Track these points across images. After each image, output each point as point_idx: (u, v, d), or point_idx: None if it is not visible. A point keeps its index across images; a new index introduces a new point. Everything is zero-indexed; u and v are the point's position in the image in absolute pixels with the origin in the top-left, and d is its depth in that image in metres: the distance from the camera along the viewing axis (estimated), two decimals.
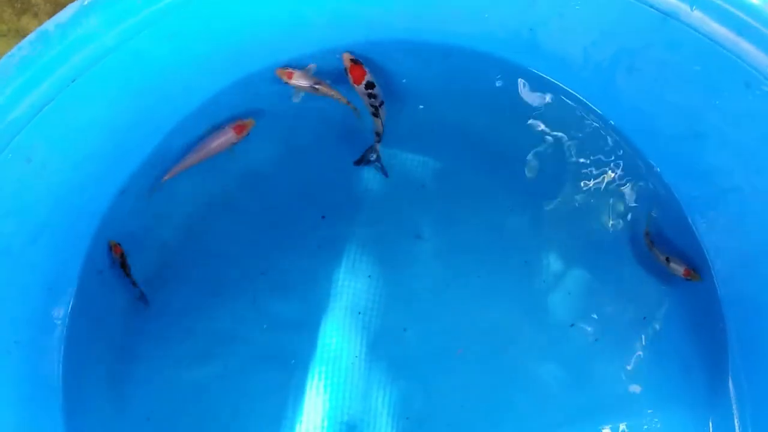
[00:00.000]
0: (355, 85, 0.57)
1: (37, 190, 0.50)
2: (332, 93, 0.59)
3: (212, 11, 0.50)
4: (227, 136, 0.59)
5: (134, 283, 0.59)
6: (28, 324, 0.53)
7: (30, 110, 0.46)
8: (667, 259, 0.58)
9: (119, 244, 0.58)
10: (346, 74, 0.57)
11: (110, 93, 0.51)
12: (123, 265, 0.58)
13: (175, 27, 0.50)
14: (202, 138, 0.60)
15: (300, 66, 0.59)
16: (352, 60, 0.57)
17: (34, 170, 0.48)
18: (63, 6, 0.94)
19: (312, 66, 0.59)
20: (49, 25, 0.46)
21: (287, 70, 0.58)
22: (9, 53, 0.45)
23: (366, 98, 0.58)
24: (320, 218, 0.63)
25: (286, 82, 0.59)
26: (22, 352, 0.53)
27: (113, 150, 0.55)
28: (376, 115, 0.58)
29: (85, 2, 0.46)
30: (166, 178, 0.60)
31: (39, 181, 0.50)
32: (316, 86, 0.59)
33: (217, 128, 0.60)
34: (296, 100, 0.60)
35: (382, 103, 0.58)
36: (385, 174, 0.62)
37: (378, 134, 0.60)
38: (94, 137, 0.53)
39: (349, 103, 0.60)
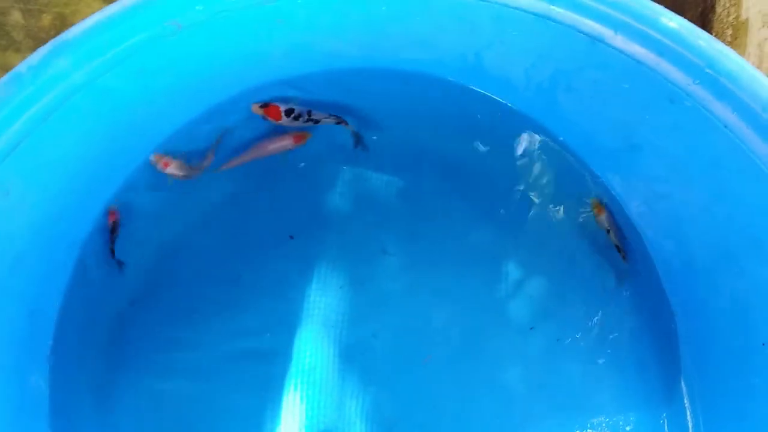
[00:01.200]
0: (280, 122, 0.61)
1: (16, 222, 0.52)
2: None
3: (176, 48, 0.53)
4: (285, 142, 0.63)
5: (113, 251, 0.61)
6: (13, 345, 0.55)
7: (6, 147, 0.48)
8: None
9: (118, 212, 0.61)
10: (266, 120, 0.61)
11: (82, 128, 0.53)
12: (113, 230, 0.61)
13: (141, 64, 0.52)
14: (262, 138, 0.64)
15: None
16: (261, 106, 0.61)
17: (12, 203, 0.51)
18: (43, 41, 0.97)
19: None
20: (22, 67, 0.49)
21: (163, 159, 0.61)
22: None
23: (296, 123, 0.61)
24: (289, 238, 0.66)
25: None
26: (8, 372, 0.55)
27: (88, 181, 0.58)
28: (316, 123, 0.62)
29: (55, 43, 0.49)
30: (223, 167, 0.63)
31: (17, 214, 0.52)
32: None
33: (278, 132, 0.63)
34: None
35: (309, 112, 0.62)
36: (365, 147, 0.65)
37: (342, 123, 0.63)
38: (68, 170, 0.55)
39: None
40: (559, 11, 0.49)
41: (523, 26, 0.51)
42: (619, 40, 0.48)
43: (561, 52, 0.52)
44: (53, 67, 0.48)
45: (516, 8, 0.50)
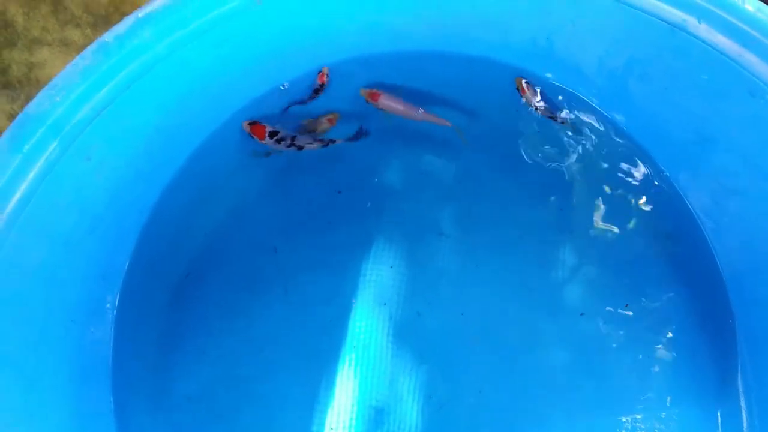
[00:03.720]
0: (263, 142, 0.63)
1: (94, 186, 0.55)
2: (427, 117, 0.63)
3: (254, 22, 0.55)
4: (323, 125, 0.65)
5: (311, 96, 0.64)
6: (84, 307, 0.58)
7: (90, 114, 0.51)
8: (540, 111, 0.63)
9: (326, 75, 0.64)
10: (252, 138, 0.63)
11: (160, 97, 0.55)
12: (318, 90, 0.64)
13: (220, 37, 0.54)
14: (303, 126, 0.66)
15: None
16: (248, 125, 0.63)
17: (93, 167, 0.53)
18: (101, 17, 1.00)
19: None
20: (108, 36, 0.51)
21: (372, 91, 0.63)
22: (73, 62, 0.50)
23: (277, 146, 0.63)
24: (345, 215, 0.67)
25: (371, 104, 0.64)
26: (78, 332, 0.58)
27: (161, 148, 0.60)
28: (301, 148, 0.64)
29: (140, 15, 0.51)
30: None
31: (97, 178, 0.55)
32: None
33: (315, 118, 0.66)
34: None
35: (294, 137, 0.63)
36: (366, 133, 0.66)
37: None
38: (144, 137, 0.57)
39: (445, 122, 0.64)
40: None
41: (600, 10, 0.51)
42: (702, 29, 0.47)
43: (638, 39, 0.52)
44: (138, 38, 0.51)
45: None
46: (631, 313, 0.64)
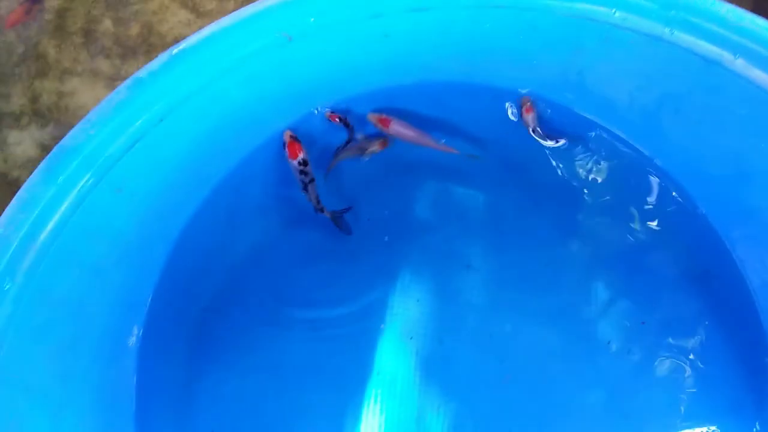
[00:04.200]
0: (290, 160, 0.62)
1: (125, 217, 0.55)
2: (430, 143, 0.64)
3: (284, 58, 0.55)
4: (374, 147, 0.65)
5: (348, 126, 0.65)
6: (110, 338, 0.58)
7: (123, 146, 0.51)
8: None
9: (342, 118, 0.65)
10: (284, 149, 0.63)
11: (191, 130, 0.56)
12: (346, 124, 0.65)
13: (251, 71, 0.55)
14: (357, 141, 0.66)
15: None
16: (291, 137, 0.63)
17: (124, 199, 0.54)
18: (130, 48, 1.01)
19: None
20: (143, 72, 0.51)
21: (382, 116, 0.64)
22: (108, 97, 0.51)
23: (297, 174, 0.63)
24: (371, 246, 0.66)
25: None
26: (103, 363, 0.58)
27: (189, 178, 0.61)
28: (305, 190, 0.63)
29: (174, 52, 0.52)
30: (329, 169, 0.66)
31: (127, 208, 0.55)
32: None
33: (368, 138, 0.66)
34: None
35: (312, 180, 0.63)
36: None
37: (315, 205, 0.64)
38: (173, 169, 0.58)
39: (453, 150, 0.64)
40: (675, 33, 0.48)
41: (633, 47, 0.51)
42: (738, 64, 0.47)
43: (671, 75, 0.51)
44: (171, 74, 0.51)
45: (628, 29, 0.50)
46: (664, 347, 0.62)
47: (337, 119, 0.65)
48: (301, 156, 0.62)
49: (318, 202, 0.64)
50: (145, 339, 0.62)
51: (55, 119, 0.95)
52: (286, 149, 0.62)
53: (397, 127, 0.63)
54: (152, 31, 0.99)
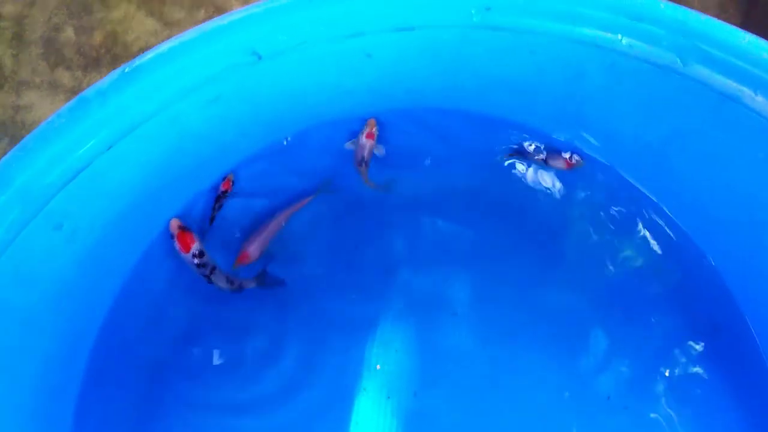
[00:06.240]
0: (183, 254, 0.54)
1: (64, 256, 0.48)
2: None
3: (254, 79, 0.49)
4: (369, 144, 0.58)
5: (212, 218, 0.58)
6: (43, 396, 0.50)
7: (64, 177, 0.45)
8: (545, 161, 0.58)
9: (232, 181, 0.58)
10: (173, 241, 0.55)
11: (146, 157, 0.50)
12: (219, 198, 0.58)
13: (215, 93, 0.49)
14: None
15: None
16: (180, 227, 0.55)
17: (64, 236, 0.47)
18: (93, 59, 0.96)
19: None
20: (90, 92, 0.45)
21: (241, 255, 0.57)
22: (48, 120, 0.45)
23: (194, 268, 0.55)
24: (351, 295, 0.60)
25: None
26: (39, 420, 0.50)
27: (143, 211, 0.54)
28: (211, 281, 0.55)
29: (126, 70, 0.46)
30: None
31: (67, 247, 0.48)
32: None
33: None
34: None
35: (213, 269, 0.55)
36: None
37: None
38: (125, 200, 0.51)
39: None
40: (688, 64, 0.43)
41: (641, 78, 0.46)
42: (759, 101, 0.42)
43: (682, 109, 0.47)
44: (124, 94, 0.45)
45: (635, 58, 0.45)
46: (659, 396, 0.57)
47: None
48: (194, 247, 0.54)
49: (231, 282, 0.56)
50: (83, 397, 0.54)
51: (10, 135, 0.90)
52: (176, 242, 0.54)
53: (255, 247, 0.57)
54: (117, 41, 0.95)
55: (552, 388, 0.57)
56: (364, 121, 0.59)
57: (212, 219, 0.58)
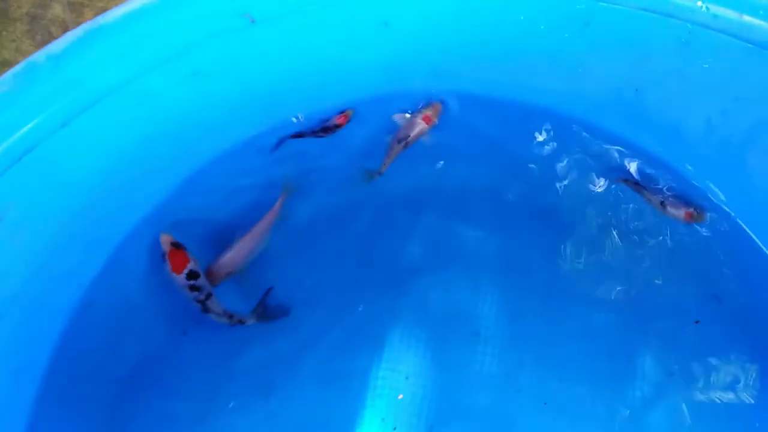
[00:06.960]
0: (174, 275, 0.46)
1: (10, 255, 0.41)
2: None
3: (246, 47, 0.43)
4: (421, 127, 0.52)
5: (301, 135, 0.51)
6: None
7: (6, 158, 0.37)
8: (663, 204, 0.50)
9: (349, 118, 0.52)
10: (164, 260, 0.47)
11: (110, 140, 0.43)
12: (328, 129, 0.52)
13: (197, 64, 0.42)
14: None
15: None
16: (172, 244, 0.47)
17: (6, 231, 0.39)
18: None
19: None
20: (40, 56, 0.37)
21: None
22: None
23: (187, 291, 0.47)
24: (358, 311, 0.52)
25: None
26: None
27: (110, 208, 0.46)
28: (205, 310, 0.47)
29: (88, 30, 0.38)
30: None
31: (13, 245, 0.41)
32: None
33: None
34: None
35: (209, 295, 0.47)
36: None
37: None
38: (86, 193, 0.44)
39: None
40: None
41: (725, 56, 0.38)
42: None
43: None
44: (82, 59, 0.38)
45: (719, 31, 0.37)
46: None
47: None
48: (188, 267, 0.46)
49: (229, 316, 0.48)
50: (37, 415, 0.46)
51: None
52: (167, 261, 0.47)
53: (225, 267, 0.49)
54: None
55: (595, 426, 0.49)
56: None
57: (300, 135, 0.51)
